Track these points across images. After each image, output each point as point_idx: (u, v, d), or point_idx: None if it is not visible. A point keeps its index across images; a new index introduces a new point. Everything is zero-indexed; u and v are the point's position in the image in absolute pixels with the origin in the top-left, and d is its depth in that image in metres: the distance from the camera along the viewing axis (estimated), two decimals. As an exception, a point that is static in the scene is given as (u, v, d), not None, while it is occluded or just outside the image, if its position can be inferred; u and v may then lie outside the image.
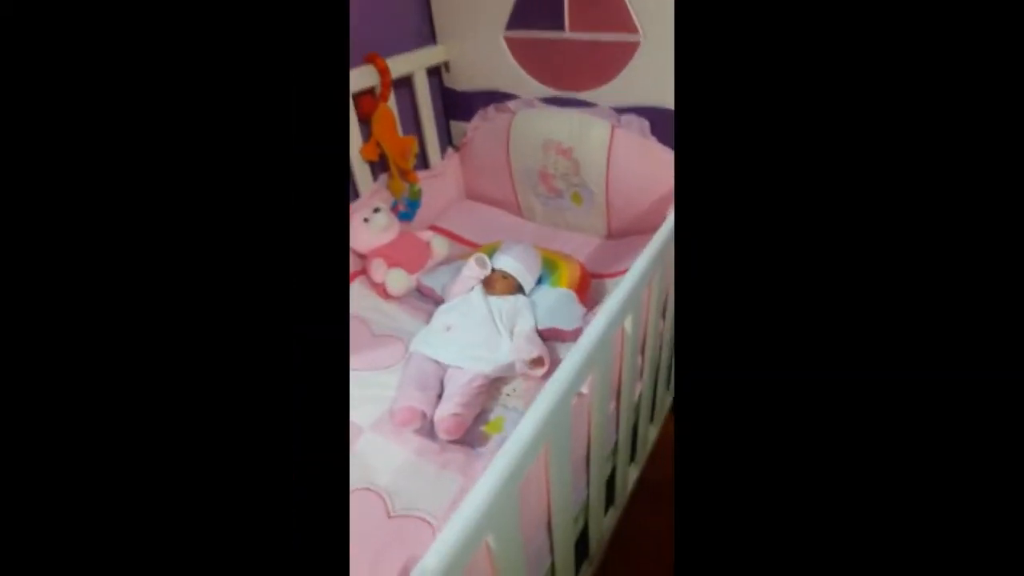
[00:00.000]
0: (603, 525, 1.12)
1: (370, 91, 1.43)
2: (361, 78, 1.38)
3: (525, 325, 1.18)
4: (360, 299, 1.38)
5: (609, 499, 1.17)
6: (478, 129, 1.69)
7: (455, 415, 0.99)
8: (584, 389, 0.81)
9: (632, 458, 1.26)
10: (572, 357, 0.73)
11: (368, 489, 0.94)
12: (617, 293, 0.83)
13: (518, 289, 1.29)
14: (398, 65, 1.48)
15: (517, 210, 1.75)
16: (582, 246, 1.59)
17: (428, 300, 1.38)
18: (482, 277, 1.27)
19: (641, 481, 1.32)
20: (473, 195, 1.82)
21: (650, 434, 1.36)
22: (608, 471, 1.10)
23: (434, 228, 1.67)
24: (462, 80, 1.66)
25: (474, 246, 1.60)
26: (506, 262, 1.29)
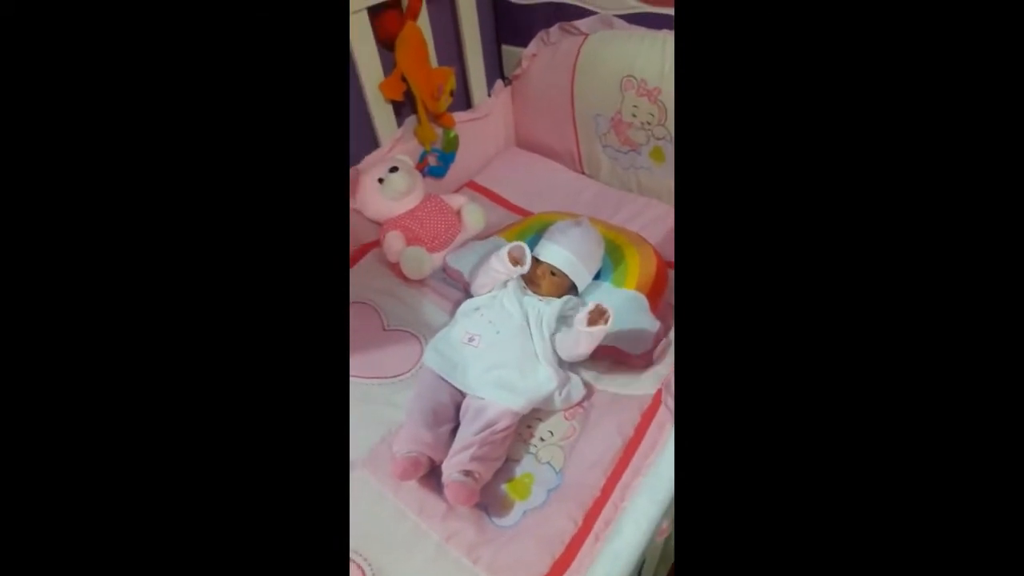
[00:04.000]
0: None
1: (396, 4, 1.09)
2: (384, -14, 1.04)
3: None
4: (373, 279, 1.12)
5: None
6: (537, 57, 1.31)
7: (467, 475, 0.75)
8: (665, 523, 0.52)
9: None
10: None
11: (351, 560, 0.73)
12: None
13: (570, 288, 0.98)
14: (434, -33, 1.11)
15: (577, 164, 1.39)
16: (658, 221, 1.24)
17: (457, 284, 1.10)
18: (515, 275, 0.95)
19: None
20: (525, 142, 1.47)
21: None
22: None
23: (472, 186, 1.36)
24: (520, -12, 1.27)
25: (519, 212, 1.28)
26: (558, 255, 0.96)
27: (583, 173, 1.39)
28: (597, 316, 0.84)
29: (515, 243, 0.93)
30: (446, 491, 0.75)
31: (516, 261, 0.92)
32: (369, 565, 0.72)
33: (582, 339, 0.86)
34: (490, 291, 0.96)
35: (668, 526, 0.52)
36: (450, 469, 0.76)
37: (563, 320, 0.92)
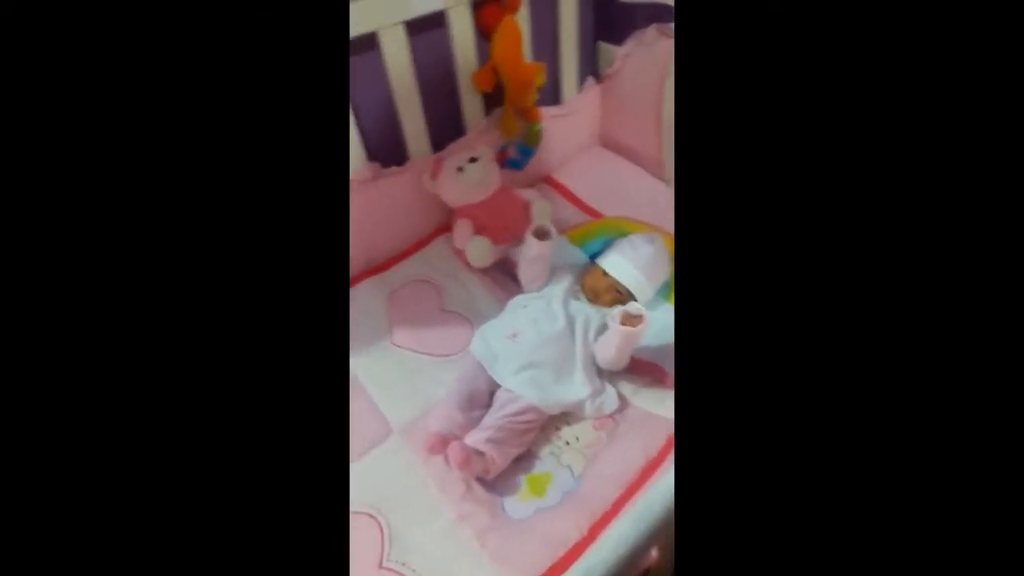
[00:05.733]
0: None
1: (497, -2, 1.11)
2: (488, -22, 1.07)
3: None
4: (439, 260, 1.18)
5: None
6: (630, 57, 1.29)
7: (475, 453, 0.80)
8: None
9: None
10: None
11: (371, 516, 0.80)
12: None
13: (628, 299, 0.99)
14: (540, -38, 1.12)
15: (657, 168, 1.36)
16: (731, 241, 1.19)
17: (514, 278, 1.14)
18: (547, 254, 0.98)
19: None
20: (609, 141, 1.46)
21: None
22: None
23: (549, 181, 1.38)
24: (625, -15, 1.25)
25: (590, 213, 1.29)
26: (626, 272, 0.96)
27: (661, 179, 1.36)
28: (631, 318, 0.84)
29: (539, 224, 0.98)
30: (448, 453, 0.79)
31: (542, 236, 0.96)
32: (388, 525, 0.79)
33: (612, 338, 0.87)
34: (540, 288, 0.99)
35: (658, 557, 0.54)
36: (466, 441, 0.81)
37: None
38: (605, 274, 0.97)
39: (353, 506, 0.80)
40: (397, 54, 1.01)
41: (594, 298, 0.98)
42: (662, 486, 0.50)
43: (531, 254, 0.98)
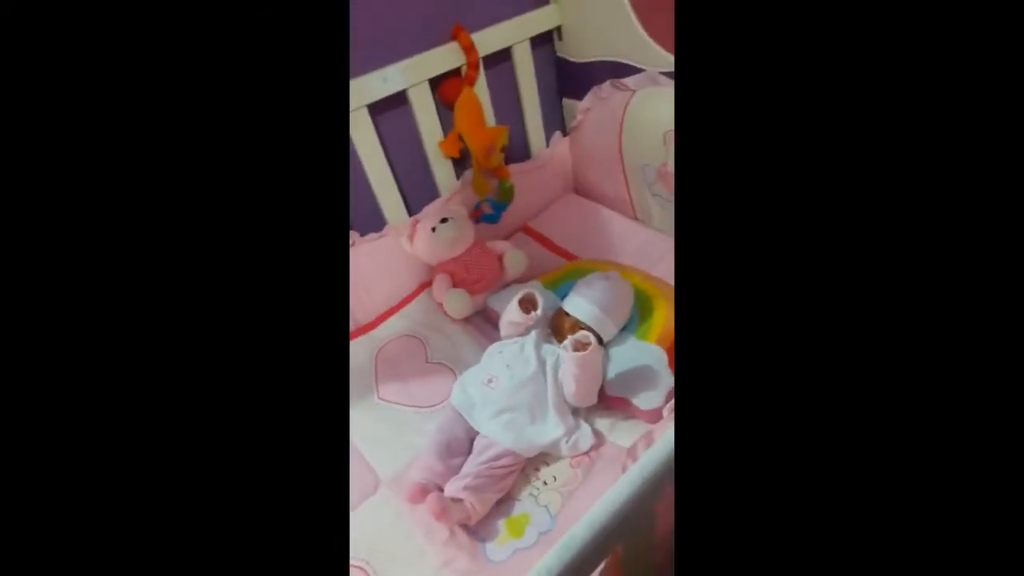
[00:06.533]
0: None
1: (456, 72, 1.23)
2: (445, 58, 1.18)
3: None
4: (423, 315, 1.25)
5: None
6: (590, 111, 1.38)
7: (452, 502, 0.83)
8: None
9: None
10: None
11: (362, 568, 0.83)
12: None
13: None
14: (496, 35, 1.23)
15: (631, 211, 1.43)
16: (702, 271, 1.23)
17: (496, 325, 1.19)
18: (530, 324, 1.01)
19: None
20: (583, 189, 1.54)
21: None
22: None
23: (526, 229, 1.45)
24: (579, 48, 1.35)
25: (566, 257, 1.35)
26: (583, 308, 1.01)
27: (635, 219, 1.43)
28: (581, 346, 0.89)
29: (526, 291, 1.01)
30: (427, 503, 0.82)
31: (528, 308, 0.99)
32: (376, 575, 0.82)
33: (568, 368, 0.90)
34: (514, 338, 1.04)
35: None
36: (447, 491, 0.84)
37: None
38: (567, 314, 1.02)
39: (342, 560, 0.84)
40: (364, 134, 1.12)
41: (562, 339, 1.02)
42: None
43: (513, 319, 1.01)
